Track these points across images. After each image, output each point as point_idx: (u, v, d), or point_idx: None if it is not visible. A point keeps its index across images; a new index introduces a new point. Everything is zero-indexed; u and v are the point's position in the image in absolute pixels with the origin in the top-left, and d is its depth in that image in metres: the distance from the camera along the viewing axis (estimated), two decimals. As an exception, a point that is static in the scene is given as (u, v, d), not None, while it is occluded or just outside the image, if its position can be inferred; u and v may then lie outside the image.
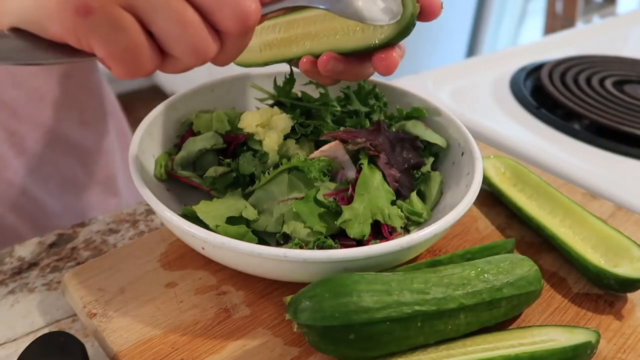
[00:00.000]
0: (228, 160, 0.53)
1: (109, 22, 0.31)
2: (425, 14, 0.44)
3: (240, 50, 0.36)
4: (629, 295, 0.48)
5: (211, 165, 0.53)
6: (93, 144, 0.73)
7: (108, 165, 0.75)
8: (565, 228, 0.52)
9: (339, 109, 0.57)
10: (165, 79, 2.85)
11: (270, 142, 0.52)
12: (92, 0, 0.30)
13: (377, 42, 0.45)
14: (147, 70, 0.33)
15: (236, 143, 0.54)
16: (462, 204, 0.45)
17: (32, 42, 0.33)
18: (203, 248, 0.43)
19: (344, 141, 0.51)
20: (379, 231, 0.48)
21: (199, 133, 0.55)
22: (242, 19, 0.33)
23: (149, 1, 0.31)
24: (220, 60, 0.36)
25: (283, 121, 0.53)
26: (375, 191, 0.49)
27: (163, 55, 0.34)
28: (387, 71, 0.45)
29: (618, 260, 0.48)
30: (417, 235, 0.42)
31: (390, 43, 0.44)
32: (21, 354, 0.39)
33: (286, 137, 0.53)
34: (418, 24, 0.44)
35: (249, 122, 0.53)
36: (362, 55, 0.46)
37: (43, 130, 0.66)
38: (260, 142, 0.53)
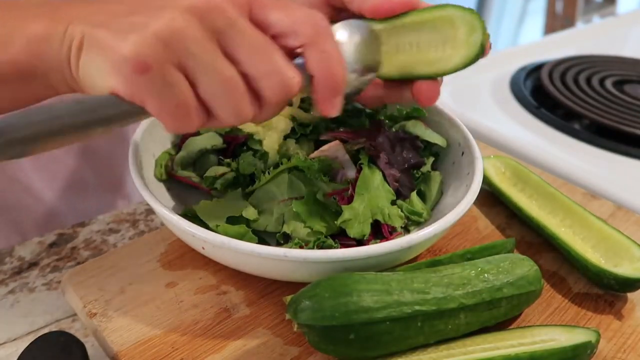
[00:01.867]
0: (228, 160, 0.53)
1: (163, 80, 0.32)
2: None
3: (275, 114, 0.37)
4: (629, 295, 0.48)
5: (211, 165, 0.53)
6: (104, 145, 0.72)
7: (118, 167, 0.75)
8: (565, 228, 0.52)
9: None
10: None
11: (271, 141, 0.52)
12: (149, 58, 0.32)
13: (440, 72, 0.42)
14: (195, 125, 0.34)
15: (236, 143, 0.54)
16: (462, 203, 0.45)
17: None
18: (203, 248, 0.44)
19: (344, 141, 0.51)
20: (379, 231, 0.48)
21: (198, 133, 0.55)
22: (285, 90, 0.35)
23: (200, 64, 0.33)
24: (255, 121, 0.37)
25: (283, 121, 0.53)
26: (375, 191, 0.49)
27: (207, 115, 0.35)
28: (429, 102, 0.43)
29: (618, 260, 0.48)
30: (417, 235, 0.42)
31: (450, 73, 0.42)
32: (21, 354, 0.39)
33: (286, 137, 0.53)
34: None
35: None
36: (403, 81, 0.44)
37: None
38: (260, 142, 0.53)
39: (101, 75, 0.33)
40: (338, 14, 0.46)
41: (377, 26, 0.43)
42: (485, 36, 0.40)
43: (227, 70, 0.34)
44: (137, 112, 0.34)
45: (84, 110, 0.33)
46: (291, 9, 0.36)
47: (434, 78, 0.43)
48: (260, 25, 0.35)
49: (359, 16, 0.44)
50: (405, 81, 0.44)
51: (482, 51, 0.41)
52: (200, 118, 0.35)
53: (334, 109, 0.38)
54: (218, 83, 0.34)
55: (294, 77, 0.35)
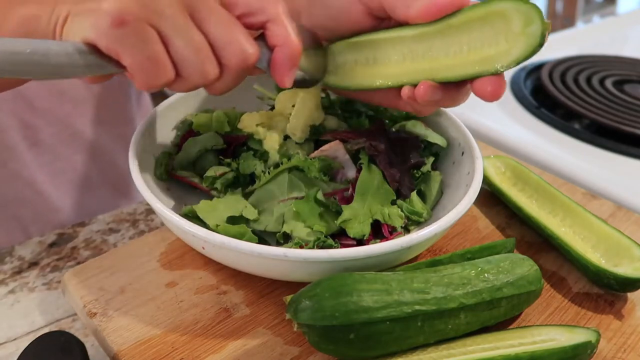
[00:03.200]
0: (228, 160, 0.53)
1: (138, 35, 0.36)
2: None
3: (234, 84, 0.41)
4: (629, 294, 0.48)
5: (211, 165, 0.53)
6: (110, 144, 0.72)
7: (123, 166, 0.75)
8: (565, 227, 0.52)
9: (339, 112, 0.57)
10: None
11: (271, 141, 0.52)
12: (127, 14, 0.36)
13: (500, 68, 0.41)
14: (164, 80, 0.38)
15: (236, 143, 0.54)
16: (462, 203, 0.45)
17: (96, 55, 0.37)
18: (203, 248, 0.44)
19: (344, 141, 0.51)
20: (379, 231, 0.48)
21: (198, 133, 0.55)
22: (243, 58, 0.40)
23: (172, 26, 0.37)
24: (216, 88, 0.41)
25: (283, 121, 0.53)
26: (375, 191, 0.49)
27: (175, 75, 0.39)
28: (495, 97, 0.43)
29: (618, 260, 0.48)
30: (417, 235, 0.42)
31: (512, 67, 0.41)
32: (21, 354, 0.39)
33: (286, 137, 0.53)
34: None
35: (248, 122, 0.53)
36: (461, 81, 0.44)
37: (60, 126, 0.66)
38: (260, 141, 0.53)
39: (82, 31, 0.36)
40: (380, 23, 0.47)
41: (411, 32, 0.44)
42: (545, 25, 0.39)
43: (196, 36, 0.38)
44: (104, 66, 0.37)
45: (51, 50, 0.35)
46: None
47: (497, 73, 0.42)
48: (228, 6, 0.40)
49: (404, 24, 0.44)
50: (462, 82, 0.44)
51: (543, 40, 0.40)
52: (169, 75, 0.38)
53: (289, 79, 0.43)
54: (188, 44, 0.38)
55: (252, 49, 0.40)
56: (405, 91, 0.46)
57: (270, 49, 0.42)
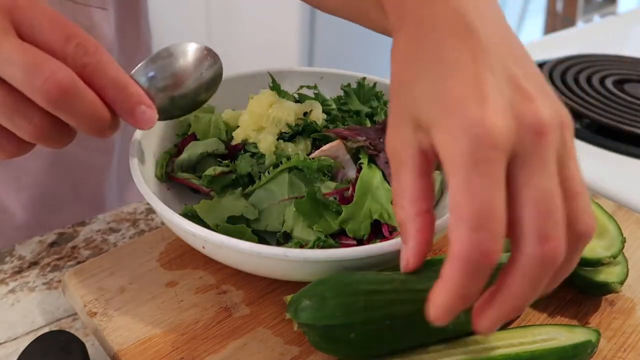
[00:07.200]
0: (226, 162, 0.53)
1: None
2: None
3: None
4: (629, 294, 0.48)
5: (211, 168, 0.53)
6: (83, 157, 0.70)
7: (96, 181, 0.72)
8: (565, 227, 0.52)
9: (334, 106, 0.57)
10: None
11: (266, 143, 0.52)
12: None
13: None
14: None
15: (235, 150, 0.54)
16: (462, 203, 0.45)
17: None
18: (203, 247, 0.44)
19: (344, 138, 0.51)
20: (379, 230, 0.48)
21: (197, 136, 0.55)
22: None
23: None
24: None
25: (276, 123, 0.53)
26: (375, 190, 0.49)
27: None
28: None
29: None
30: (418, 235, 0.42)
31: None
32: (21, 353, 0.39)
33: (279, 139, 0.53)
34: None
35: (242, 129, 0.53)
36: None
37: None
38: (255, 144, 0.53)
39: None
40: None
41: None
42: None
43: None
44: None
45: None
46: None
47: None
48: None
49: None
50: None
51: None
52: None
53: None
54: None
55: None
56: None
57: None
